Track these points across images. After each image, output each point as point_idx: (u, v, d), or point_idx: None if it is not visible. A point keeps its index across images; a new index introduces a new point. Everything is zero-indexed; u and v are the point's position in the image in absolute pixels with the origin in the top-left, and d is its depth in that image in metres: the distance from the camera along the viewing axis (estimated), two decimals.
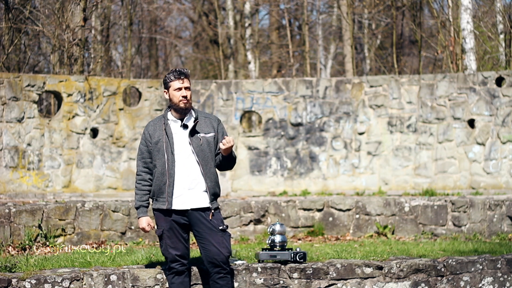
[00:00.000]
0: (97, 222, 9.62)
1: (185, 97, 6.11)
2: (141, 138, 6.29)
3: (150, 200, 6.30)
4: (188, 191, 6.12)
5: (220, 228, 6.13)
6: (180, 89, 6.13)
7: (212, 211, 6.13)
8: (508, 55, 15.33)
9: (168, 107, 6.27)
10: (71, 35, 14.40)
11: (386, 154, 13.87)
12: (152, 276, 6.64)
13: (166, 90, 6.21)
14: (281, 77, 19.13)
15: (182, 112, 6.17)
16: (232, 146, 6.12)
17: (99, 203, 9.80)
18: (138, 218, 6.25)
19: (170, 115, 6.22)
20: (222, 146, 6.12)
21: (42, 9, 16.23)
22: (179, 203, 6.12)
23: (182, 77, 6.14)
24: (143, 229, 6.24)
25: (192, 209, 6.11)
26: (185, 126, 6.18)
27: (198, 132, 6.18)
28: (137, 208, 6.25)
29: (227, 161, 6.26)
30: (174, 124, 6.21)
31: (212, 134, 6.21)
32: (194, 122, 6.18)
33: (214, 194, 6.18)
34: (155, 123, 6.26)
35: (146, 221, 6.21)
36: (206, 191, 6.15)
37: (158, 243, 9.30)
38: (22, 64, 16.93)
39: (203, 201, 6.14)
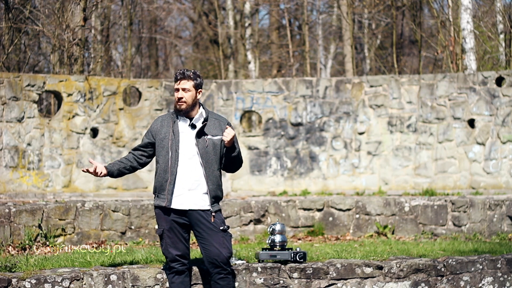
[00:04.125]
0: (97, 222, 9.61)
1: (180, 98, 6.10)
2: (147, 131, 6.32)
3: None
4: (188, 192, 6.09)
5: (221, 228, 6.10)
6: (177, 90, 6.14)
7: (213, 213, 6.09)
8: (508, 55, 15.32)
9: None
10: (71, 35, 14.40)
11: (386, 154, 13.86)
12: (152, 276, 6.64)
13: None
14: (281, 77, 19.12)
15: (178, 113, 6.16)
16: (233, 136, 6.09)
17: (99, 203, 9.80)
18: None
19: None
20: (224, 138, 6.09)
21: (42, 9, 16.22)
22: (178, 202, 6.09)
23: (178, 78, 6.15)
24: (90, 161, 6.21)
25: (191, 210, 6.08)
26: (193, 126, 6.15)
27: (206, 134, 6.14)
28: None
29: (231, 154, 6.18)
30: (182, 122, 6.18)
31: (219, 137, 6.15)
32: (202, 123, 6.15)
33: (215, 197, 6.13)
34: (163, 119, 6.25)
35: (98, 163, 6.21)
36: (207, 194, 6.11)
37: (158, 243, 9.37)
38: (22, 64, 16.92)
39: (203, 203, 6.10)
